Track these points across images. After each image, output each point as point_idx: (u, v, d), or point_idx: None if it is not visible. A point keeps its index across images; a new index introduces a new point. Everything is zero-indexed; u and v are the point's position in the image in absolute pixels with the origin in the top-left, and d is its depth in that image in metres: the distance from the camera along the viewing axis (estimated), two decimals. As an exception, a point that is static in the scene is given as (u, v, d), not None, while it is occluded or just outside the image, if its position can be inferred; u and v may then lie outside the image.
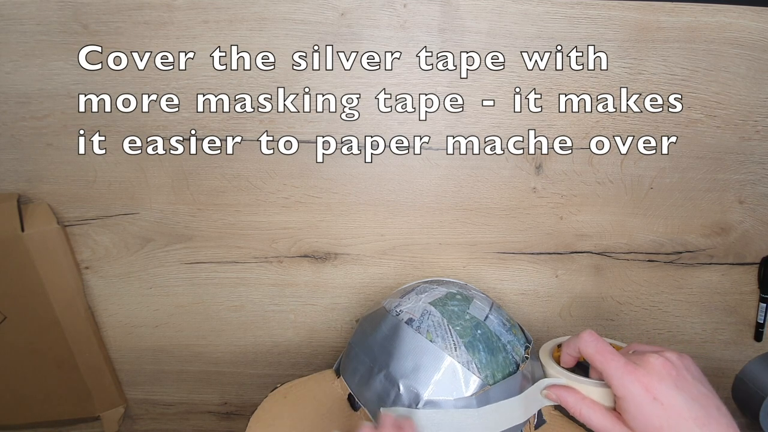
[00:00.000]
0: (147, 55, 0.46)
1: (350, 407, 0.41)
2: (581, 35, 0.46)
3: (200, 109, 0.48)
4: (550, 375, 0.38)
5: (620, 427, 0.32)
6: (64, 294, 0.53)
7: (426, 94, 0.48)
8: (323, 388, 0.44)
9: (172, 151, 0.50)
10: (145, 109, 0.48)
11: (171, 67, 0.47)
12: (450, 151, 0.50)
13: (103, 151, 0.50)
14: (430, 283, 0.47)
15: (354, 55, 0.47)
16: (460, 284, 0.48)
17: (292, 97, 0.48)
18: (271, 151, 0.50)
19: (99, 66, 0.47)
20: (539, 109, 0.49)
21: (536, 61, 0.47)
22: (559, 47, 0.46)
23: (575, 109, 0.49)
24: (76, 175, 0.51)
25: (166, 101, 0.48)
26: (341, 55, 0.47)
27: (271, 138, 0.50)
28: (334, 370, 0.46)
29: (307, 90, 0.48)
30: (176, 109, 0.48)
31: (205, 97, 0.48)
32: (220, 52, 0.46)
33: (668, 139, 0.50)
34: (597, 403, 0.34)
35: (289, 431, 0.40)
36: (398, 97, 0.48)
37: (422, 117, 0.49)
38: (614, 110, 0.49)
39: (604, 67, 0.47)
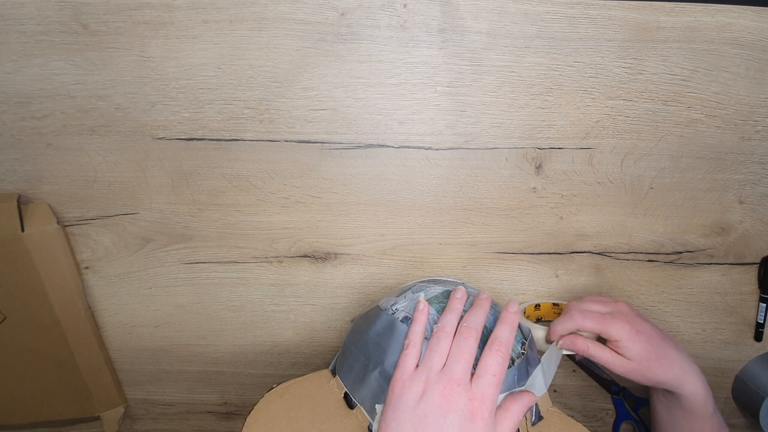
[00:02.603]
0: (147, 55, 0.46)
1: (346, 406, 0.41)
2: (581, 35, 0.46)
3: (200, 109, 0.48)
4: (538, 335, 0.49)
5: (620, 358, 0.45)
6: (64, 294, 0.53)
7: (426, 94, 0.48)
8: (319, 387, 0.44)
9: (172, 151, 0.50)
10: (145, 109, 0.48)
11: (171, 67, 0.47)
12: (450, 151, 0.50)
13: (103, 151, 0.50)
14: (427, 282, 0.48)
15: (354, 55, 0.47)
16: (456, 283, 0.48)
17: (292, 97, 0.48)
18: (271, 151, 0.50)
19: (99, 66, 0.47)
20: (539, 109, 0.49)
21: (536, 61, 0.47)
22: (559, 47, 0.46)
23: (575, 109, 0.49)
24: (76, 175, 0.51)
25: (166, 101, 0.48)
26: (341, 55, 0.47)
27: (271, 138, 0.50)
28: (330, 370, 0.46)
29: (307, 90, 0.48)
30: (176, 109, 0.48)
31: (205, 97, 0.48)
32: (220, 52, 0.46)
33: (668, 138, 0.50)
34: (599, 342, 0.46)
35: (285, 430, 0.40)
36: (398, 96, 0.48)
37: (422, 117, 0.49)
38: (614, 110, 0.49)
39: (604, 67, 0.47)
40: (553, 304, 0.54)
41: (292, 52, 0.47)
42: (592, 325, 0.46)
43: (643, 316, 0.48)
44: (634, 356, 0.44)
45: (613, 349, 0.46)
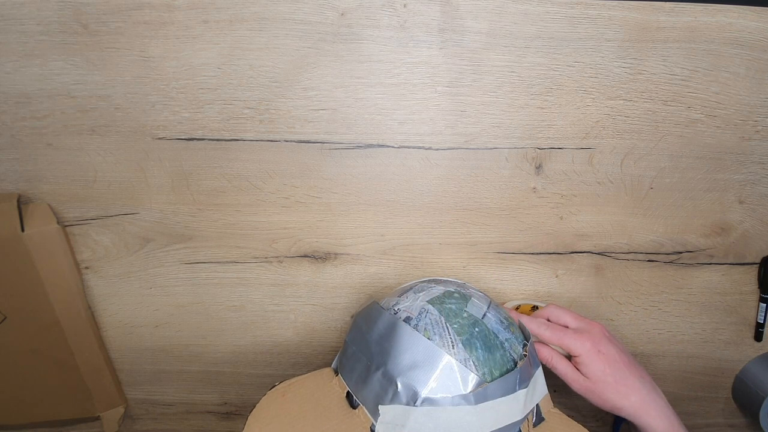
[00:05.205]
0: (147, 55, 0.46)
1: (348, 405, 0.41)
2: (581, 35, 0.46)
3: (200, 109, 0.48)
4: None
5: (578, 374, 0.46)
6: (64, 294, 0.53)
7: (426, 94, 0.48)
8: (321, 386, 0.44)
9: (172, 151, 0.50)
10: (145, 109, 0.48)
11: (171, 67, 0.47)
12: (450, 151, 0.50)
13: (103, 151, 0.50)
14: (428, 282, 0.47)
15: (354, 55, 0.47)
16: (458, 283, 0.48)
17: (292, 97, 0.48)
18: (271, 151, 0.50)
19: (99, 66, 0.47)
20: (539, 109, 0.49)
21: (536, 61, 0.47)
22: (559, 47, 0.46)
23: (575, 109, 0.49)
24: (76, 175, 0.51)
25: (166, 101, 0.48)
26: (341, 55, 0.47)
27: (271, 138, 0.50)
28: (333, 369, 0.46)
29: (307, 90, 0.48)
30: (176, 109, 0.48)
31: (205, 97, 0.48)
32: (220, 52, 0.46)
33: (668, 138, 0.50)
34: (563, 355, 0.47)
35: (287, 429, 0.40)
36: (398, 96, 0.48)
37: (422, 117, 0.49)
38: (614, 110, 0.49)
39: (604, 67, 0.47)
40: (533, 307, 0.54)
41: (292, 52, 0.47)
42: (549, 335, 0.46)
43: (616, 341, 0.47)
44: (591, 375, 0.45)
45: (575, 366, 0.46)
